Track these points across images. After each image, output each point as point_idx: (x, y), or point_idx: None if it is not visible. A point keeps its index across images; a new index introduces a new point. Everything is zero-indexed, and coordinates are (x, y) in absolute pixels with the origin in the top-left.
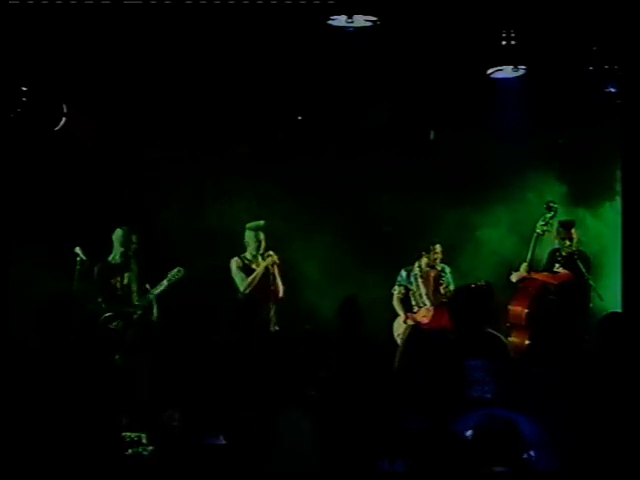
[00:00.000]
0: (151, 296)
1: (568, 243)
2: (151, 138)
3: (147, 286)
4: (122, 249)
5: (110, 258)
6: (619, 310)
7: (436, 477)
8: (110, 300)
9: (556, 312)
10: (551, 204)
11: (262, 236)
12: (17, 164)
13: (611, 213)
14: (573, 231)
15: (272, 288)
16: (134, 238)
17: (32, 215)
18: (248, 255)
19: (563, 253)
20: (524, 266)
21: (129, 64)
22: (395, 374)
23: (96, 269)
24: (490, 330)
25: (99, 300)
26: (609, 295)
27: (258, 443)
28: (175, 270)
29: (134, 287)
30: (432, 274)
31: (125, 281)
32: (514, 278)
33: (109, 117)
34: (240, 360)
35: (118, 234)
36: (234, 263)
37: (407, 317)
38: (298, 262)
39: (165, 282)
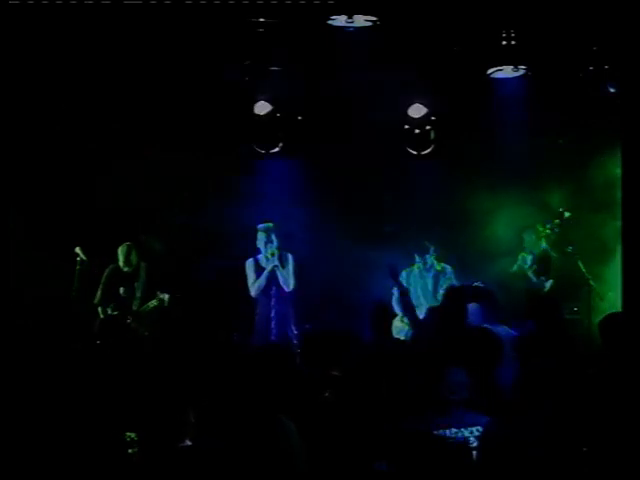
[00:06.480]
0: (148, 308)
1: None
2: (152, 138)
3: (158, 293)
4: (123, 263)
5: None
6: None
7: (434, 477)
8: (108, 302)
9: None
10: (564, 212)
11: (273, 236)
12: (17, 164)
13: (611, 212)
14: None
15: (278, 285)
16: (134, 255)
17: (32, 215)
18: (262, 255)
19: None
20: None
21: (129, 64)
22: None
23: (107, 270)
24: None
25: (97, 298)
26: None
27: (258, 445)
28: (167, 297)
29: (138, 294)
30: (431, 274)
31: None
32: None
33: (110, 117)
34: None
35: (120, 250)
36: (247, 265)
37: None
38: (298, 262)
39: (155, 302)
